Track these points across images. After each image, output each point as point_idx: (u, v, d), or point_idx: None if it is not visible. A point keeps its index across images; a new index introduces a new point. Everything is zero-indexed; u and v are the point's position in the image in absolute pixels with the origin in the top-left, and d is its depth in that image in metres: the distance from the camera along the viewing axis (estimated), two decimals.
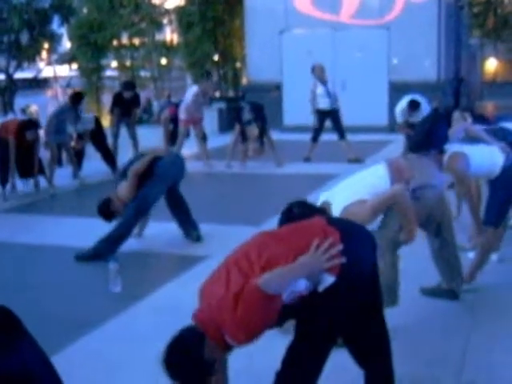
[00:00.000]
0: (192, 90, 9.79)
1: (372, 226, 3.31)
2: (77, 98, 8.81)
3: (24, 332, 1.72)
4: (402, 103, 8.47)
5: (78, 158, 9.04)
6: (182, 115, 9.66)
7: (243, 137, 9.52)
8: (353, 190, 3.42)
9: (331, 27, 13.74)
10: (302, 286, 2.22)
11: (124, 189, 5.08)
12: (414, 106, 8.33)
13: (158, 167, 5.16)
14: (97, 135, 9.27)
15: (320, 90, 9.71)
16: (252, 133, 9.34)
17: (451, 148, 4.23)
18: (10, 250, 5.64)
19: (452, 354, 3.28)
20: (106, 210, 5.07)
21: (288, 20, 14.10)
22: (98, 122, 9.44)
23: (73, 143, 8.93)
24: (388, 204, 3.32)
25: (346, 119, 10.02)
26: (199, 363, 2.11)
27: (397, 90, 12.95)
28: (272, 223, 6.14)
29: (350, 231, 2.41)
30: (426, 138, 4.62)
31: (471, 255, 4.42)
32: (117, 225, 5.17)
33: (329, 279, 2.22)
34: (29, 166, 7.95)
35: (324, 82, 9.76)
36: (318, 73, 9.80)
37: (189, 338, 2.16)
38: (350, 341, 2.54)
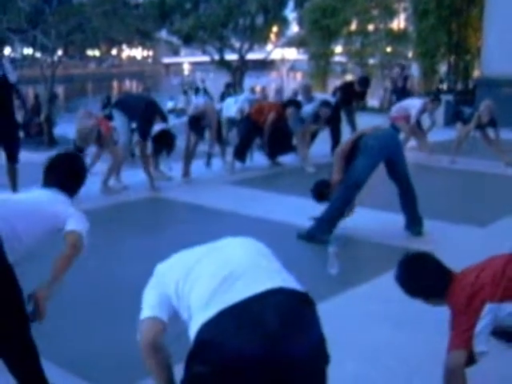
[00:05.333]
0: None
1: None
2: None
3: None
4: None
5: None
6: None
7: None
8: None
9: None
10: None
11: (333, 172, 5.15)
12: None
13: (361, 142, 5.09)
14: (332, 118, 9.45)
15: None
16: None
17: None
18: (235, 219, 5.99)
19: None
20: (317, 191, 5.25)
21: None
22: (336, 107, 9.64)
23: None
24: None
25: None
26: None
27: None
28: (499, 225, 5.76)
29: None
30: None
31: None
32: (328, 207, 5.20)
33: None
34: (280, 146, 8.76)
35: None
36: None
37: None
38: None
